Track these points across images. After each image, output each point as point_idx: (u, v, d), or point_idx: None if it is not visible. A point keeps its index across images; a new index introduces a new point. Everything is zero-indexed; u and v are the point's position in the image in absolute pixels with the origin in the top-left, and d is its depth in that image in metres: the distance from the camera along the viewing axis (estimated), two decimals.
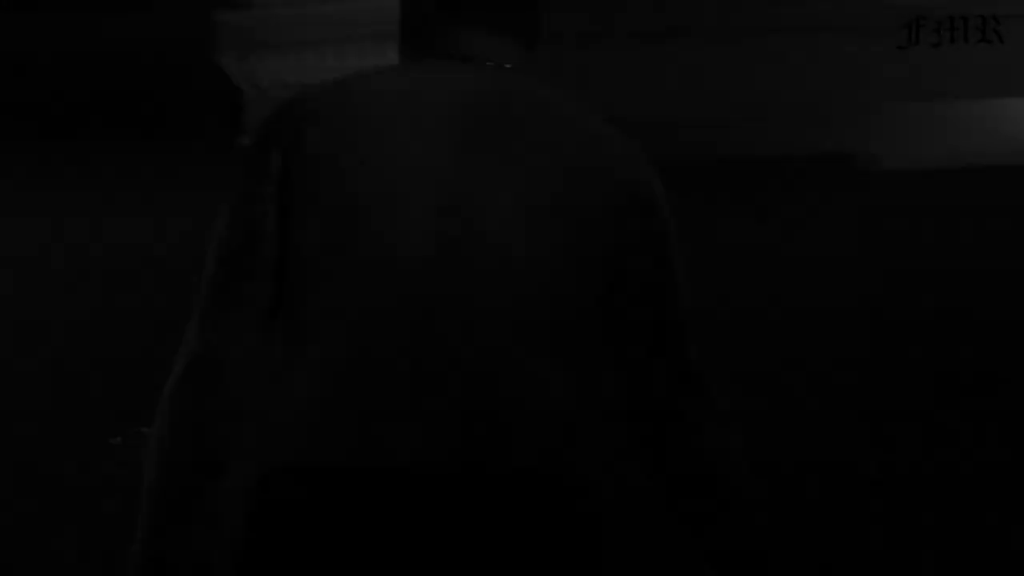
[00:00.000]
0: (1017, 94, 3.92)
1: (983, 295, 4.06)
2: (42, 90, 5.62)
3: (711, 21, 3.51)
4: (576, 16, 3.47)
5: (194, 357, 1.31)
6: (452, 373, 1.27)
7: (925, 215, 4.06)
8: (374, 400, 1.26)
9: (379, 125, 1.36)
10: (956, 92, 3.82)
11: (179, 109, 5.38)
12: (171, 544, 1.28)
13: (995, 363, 3.82)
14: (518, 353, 1.29)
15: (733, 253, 4.00)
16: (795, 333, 3.90)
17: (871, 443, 3.57)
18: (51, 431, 3.58)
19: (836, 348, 3.87)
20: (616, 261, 1.37)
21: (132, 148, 5.01)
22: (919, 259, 4.01)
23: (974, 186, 4.27)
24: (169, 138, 5.12)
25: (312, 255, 1.32)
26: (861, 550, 3.37)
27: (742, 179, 4.03)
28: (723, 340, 3.75)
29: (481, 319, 1.29)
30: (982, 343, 3.88)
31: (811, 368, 3.81)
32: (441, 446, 1.24)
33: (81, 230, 4.53)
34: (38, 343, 4.05)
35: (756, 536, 1.39)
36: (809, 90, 3.75)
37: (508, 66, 1.45)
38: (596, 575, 1.30)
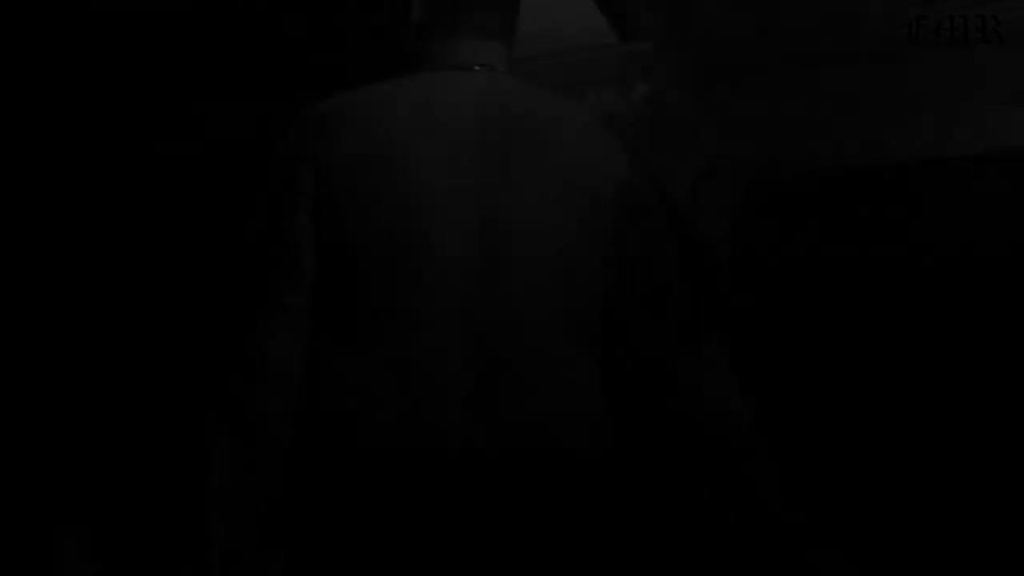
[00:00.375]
0: None
1: None
2: None
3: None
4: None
5: (241, 361, 1.34)
6: (496, 366, 1.32)
7: None
8: (428, 391, 1.31)
9: (404, 138, 1.40)
10: None
11: None
12: (241, 543, 1.29)
13: None
14: (552, 344, 1.35)
15: (893, 255, 3.92)
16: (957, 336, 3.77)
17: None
18: None
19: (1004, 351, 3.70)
20: (615, 243, 1.43)
21: None
22: None
23: None
24: None
25: (357, 264, 1.36)
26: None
27: (899, 183, 3.98)
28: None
29: (519, 316, 1.35)
30: None
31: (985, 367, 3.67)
32: (486, 431, 1.30)
33: None
34: None
35: (756, 503, 1.40)
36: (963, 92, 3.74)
37: (500, 70, 1.53)
38: (614, 541, 1.36)
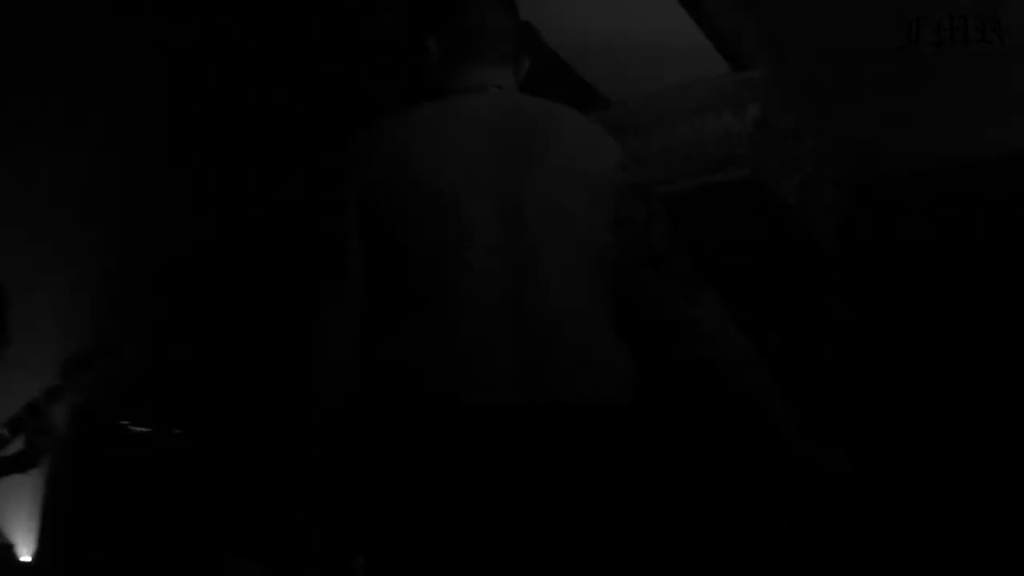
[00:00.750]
0: None
1: None
2: None
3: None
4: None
5: (309, 336, 1.52)
6: (532, 326, 1.47)
7: None
8: (476, 351, 1.45)
9: (433, 148, 1.57)
10: None
11: None
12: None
13: None
14: (577, 304, 1.51)
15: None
16: None
17: None
18: None
19: None
20: (617, 216, 1.60)
21: None
22: None
23: None
24: None
25: (405, 253, 1.53)
26: None
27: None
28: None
29: (546, 280, 1.50)
30: None
31: None
32: (529, 385, 1.44)
33: None
34: None
35: (763, 411, 1.57)
36: None
37: (504, 88, 1.70)
38: (634, 473, 1.48)
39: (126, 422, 3.12)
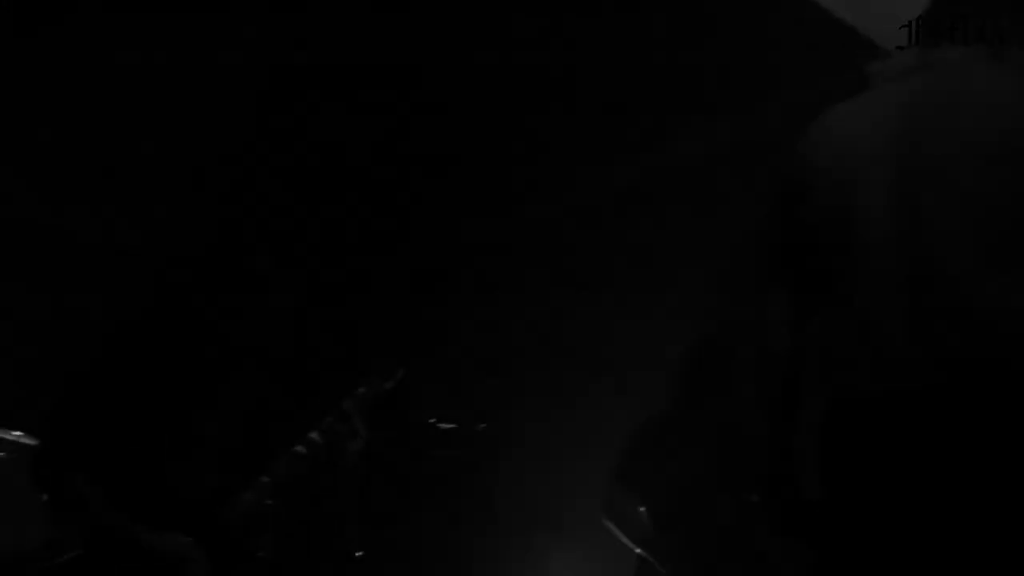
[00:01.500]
0: None
1: None
2: None
3: None
4: None
5: (759, 332, 1.66)
6: (939, 312, 1.50)
7: None
8: (881, 340, 1.51)
9: (842, 140, 1.67)
10: None
11: None
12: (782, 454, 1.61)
13: None
14: (980, 283, 1.48)
15: None
16: None
17: None
18: None
19: None
20: None
21: None
22: None
23: None
24: None
25: (817, 245, 1.64)
26: None
27: None
28: None
29: (944, 269, 1.50)
30: None
31: None
32: (937, 365, 1.49)
33: None
34: None
35: None
36: None
37: (954, 66, 1.72)
38: None
39: (433, 420, 3.24)
